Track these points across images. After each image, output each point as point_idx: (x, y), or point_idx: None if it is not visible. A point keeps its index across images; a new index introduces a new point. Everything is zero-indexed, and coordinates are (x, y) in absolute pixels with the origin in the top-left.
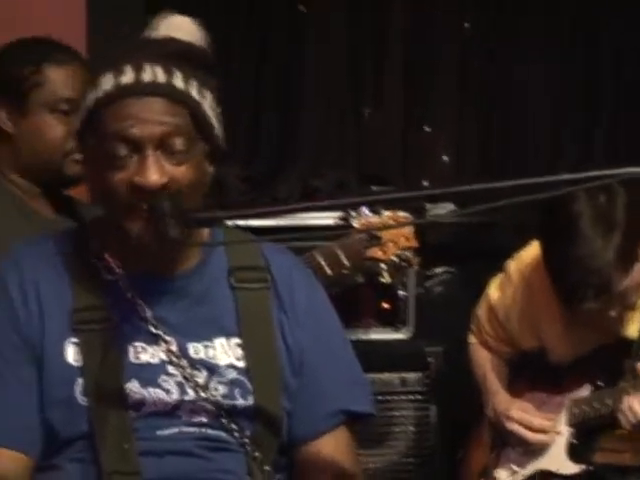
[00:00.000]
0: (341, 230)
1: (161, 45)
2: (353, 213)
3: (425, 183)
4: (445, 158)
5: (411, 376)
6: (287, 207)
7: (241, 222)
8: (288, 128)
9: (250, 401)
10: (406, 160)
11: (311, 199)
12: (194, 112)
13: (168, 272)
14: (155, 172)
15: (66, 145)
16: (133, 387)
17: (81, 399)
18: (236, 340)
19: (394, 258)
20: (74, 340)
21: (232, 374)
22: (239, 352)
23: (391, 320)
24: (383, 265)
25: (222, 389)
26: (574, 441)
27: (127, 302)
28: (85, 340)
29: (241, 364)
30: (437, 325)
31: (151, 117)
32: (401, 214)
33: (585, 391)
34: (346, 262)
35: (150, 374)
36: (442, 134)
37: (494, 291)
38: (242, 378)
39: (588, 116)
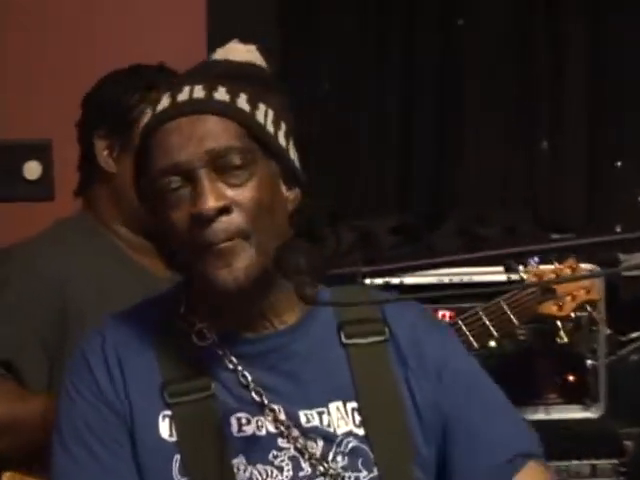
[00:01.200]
0: (508, 286)
1: (206, 67)
2: (521, 265)
3: (618, 229)
4: None
5: (604, 464)
6: (436, 260)
7: (394, 280)
8: (444, 164)
9: (375, 472)
10: (593, 201)
11: (474, 251)
12: (247, 125)
13: (267, 329)
14: (210, 195)
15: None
16: (240, 464)
17: (179, 479)
18: (353, 404)
19: (572, 314)
20: (167, 413)
21: (352, 443)
22: (358, 417)
23: (578, 395)
24: (559, 323)
25: (342, 461)
26: None
27: (223, 368)
28: (179, 413)
29: (361, 431)
30: (635, 401)
31: (194, 136)
32: (582, 266)
33: None
34: (515, 320)
35: (258, 449)
36: (637, 168)
37: None
38: (364, 447)
39: None
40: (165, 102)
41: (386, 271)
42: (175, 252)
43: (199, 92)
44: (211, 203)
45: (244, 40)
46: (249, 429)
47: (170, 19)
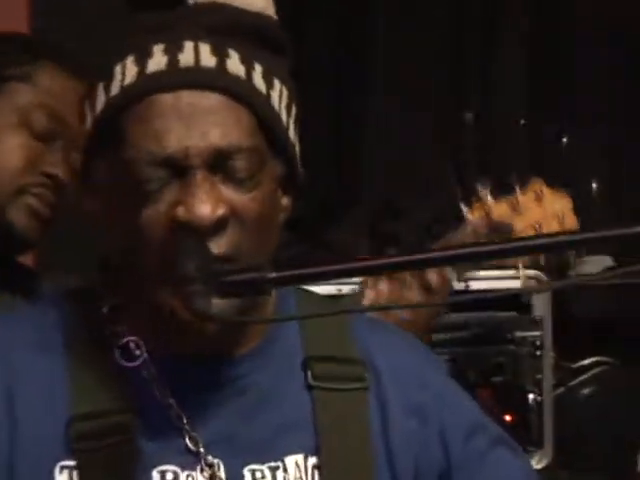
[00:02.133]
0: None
1: (211, 12)
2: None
3: None
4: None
5: None
6: (368, 264)
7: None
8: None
9: None
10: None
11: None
12: (262, 114)
13: (216, 356)
14: (208, 200)
15: (23, 178)
16: None
17: None
18: (315, 460)
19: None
20: (68, 463)
21: None
22: (318, 479)
23: (518, 441)
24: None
25: None
26: None
27: (153, 402)
28: (86, 464)
29: None
30: (591, 448)
31: (197, 122)
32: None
33: None
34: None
35: None
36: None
37: None
38: None
39: None
40: (160, 61)
41: (301, 277)
42: (123, 255)
43: (208, 57)
44: (207, 210)
45: None
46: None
47: None
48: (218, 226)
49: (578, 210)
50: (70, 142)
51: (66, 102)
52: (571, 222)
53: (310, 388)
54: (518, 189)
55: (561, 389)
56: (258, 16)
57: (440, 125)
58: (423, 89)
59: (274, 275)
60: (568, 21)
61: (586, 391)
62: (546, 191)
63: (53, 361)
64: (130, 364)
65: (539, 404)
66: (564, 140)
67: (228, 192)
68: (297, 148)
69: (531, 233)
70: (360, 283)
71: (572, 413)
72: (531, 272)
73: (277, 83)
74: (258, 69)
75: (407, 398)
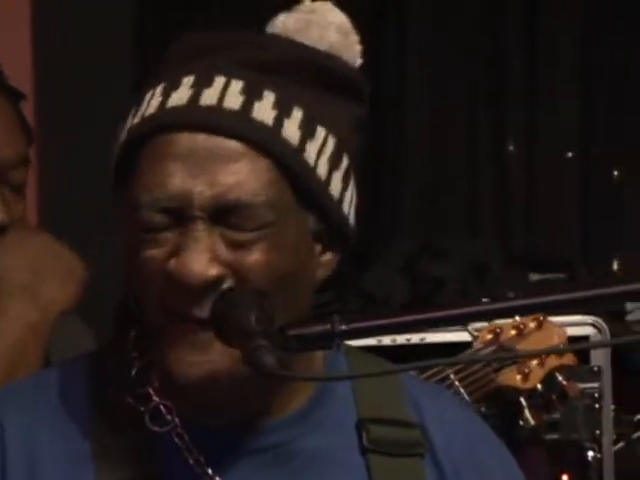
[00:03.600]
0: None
1: (263, 43)
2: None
3: (615, 265)
4: None
5: None
6: (447, 313)
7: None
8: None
9: None
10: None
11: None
12: (289, 166)
13: (255, 421)
14: (200, 257)
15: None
16: None
17: None
18: None
19: (539, 386)
20: None
21: None
22: None
23: None
24: (523, 400)
25: None
26: None
27: (186, 471)
28: None
29: None
30: None
31: (207, 167)
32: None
33: None
34: (466, 397)
35: None
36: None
37: None
38: None
39: None
40: (184, 95)
41: (375, 329)
42: (136, 300)
43: (235, 96)
44: (199, 268)
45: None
46: None
47: None
48: (214, 285)
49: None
50: (2, 175)
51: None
52: (569, 357)
53: (365, 453)
54: (518, 317)
55: (621, 444)
56: (324, 54)
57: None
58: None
59: (345, 327)
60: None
61: None
62: (546, 320)
63: (77, 430)
64: (160, 428)
65: (599, 461)
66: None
67: (229, 250)
68: (347, 202)
69: (533, 365)
70: None
71: (634, 470)
72: (589, 318)
73: (321, 131)
74: (296, 115)
75: (459, 466)
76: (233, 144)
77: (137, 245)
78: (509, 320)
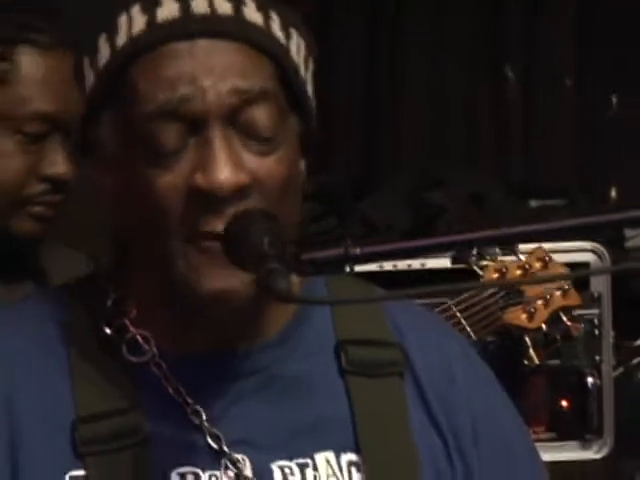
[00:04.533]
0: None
1: None
2: (475, 254)
3: (613, 192)
4: None
5: None
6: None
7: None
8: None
9: None
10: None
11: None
12: (281, 64)
13: (235, 345)
14: (227, 164)
15: (24, 189)
16: None
17: None
18: (351, 457)
19: (544, 326)
20: (78, 474)
21: None
22: (356, 475)
23: (576, 428)
24: (528, 340)
25: None
26: None
27: (165, 400)
28: (96, 470)
29: None
30: None
31: (215, 66)
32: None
33: None
34: (471, 333)
35: None
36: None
37: None
38: None
39: None
40: (172, 7)
41: (388, 253)
42: (132, 230)
43: (223, 3)
44: (228, 174)
45: None
46: None
47: None
48: (240, 194)
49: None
50: (67, 129)
51: (54, 86)
52: (575, 298)
53: (344, 375)
54: (522, 256)
55: (620, 370)
56: None
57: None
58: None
59: (358, 252)
60: None
61: None
62: (551, 260)
63: (55, 361)
64: (137, 358)
65: (598, 387)
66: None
67: (250, 156)
68: (314, 105)
69: (538, 304)
70: None
71: (634, 397)
72: (588, 244)
73: (295, 35)
74: (275, 19)
75: (437, 387)
76: (232, 45)
77: (148, 171)
78: (514, 259)
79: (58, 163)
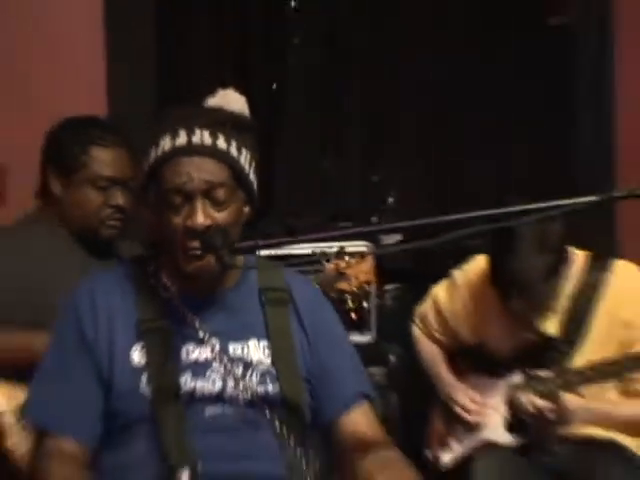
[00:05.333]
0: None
1: (211, 113)
2: (325, 258)
3: (374, 219)
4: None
5: (375, 370)
6: (303, 238)
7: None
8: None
9: (277, 388)
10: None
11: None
12: (234, 167)
13: (212, 290)
14: (201, 216)
15: (101, 213)
16: (186, 379)
17: (144, 389)
18: (265, 342)
19: (356, 289)
20: (139, 345)
21: (262, 367)
22: (267, 351)
23: (358, 327)
24: (348, 295)
25: (255, 379)
26: (508, 417)
27: (180, 314)
28: (148, 343)
29: (268, 360)
30: (393, 330)
31: (199, 173)
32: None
33: (517, 377)
34: (327, 291)
35: (199, 369)
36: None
37: (442, 296)
38: (271, 370)
39: None
40: (182, 139)
41: (275, 244)
42: (162, 239)
43: (207, 138)
44: (201, 220)
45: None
46: (194, 356)
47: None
48: (207, 229)
49: None
50: (124, 188)
51: (118, 165)
52: (372, 276)
53: (263, 305)
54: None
55: (379, 300)
56: (236, 115)
57: None
58: None
59: (261, 243)
60: None
61: (391, 302)
62: (367, 257)
63: (127, 295)
64: (166, 294)
65: (369, 309)
66: None
67: (213, 212)
68: (255, 184)
69: (353, 279)
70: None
71: (385, 313)
72: (363, 243)
73: (244, 152)
74: (234, 144)
75: (307, 312)
76: (209, 160)
77: (166, 216)
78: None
79: (119, 198)
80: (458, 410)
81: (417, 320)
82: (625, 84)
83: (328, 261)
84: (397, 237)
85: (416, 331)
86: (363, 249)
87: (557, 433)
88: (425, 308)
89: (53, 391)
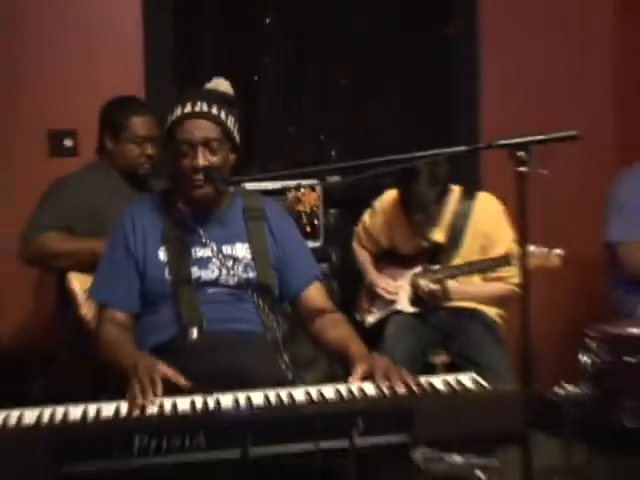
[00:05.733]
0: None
1: (208, 92)
2: (288, 190)
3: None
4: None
5: (322, 265)
6: (276, 174)
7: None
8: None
9: (255, 274)
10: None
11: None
12: (222, 127)
13: (211, 210)
14: (201, 159)
15: (140, 159)
16: (194, 270)
17: (167, 276)
18: (247, 245)
19: (308, 211)
20: (163, 247)
21: (245, 261)
22: (249, 251)
23: (312, 236)
24: (303, 214)
25: (241, 269)
26: (411, 295)
27: (190, 226)
28: (170, 246)
29: (249, 256)
30: (336, 237)
31: (199, 131)
32: (312, 191)
33: (418, 269)
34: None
35: (203, 263)
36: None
37: (367, 218)
38: (251, 263)
39: None
40: (188, 108)
41: (253, 179)
42: (177, 175)
43: (205, 107)
44: (201, 162)
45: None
46: (200, 254)
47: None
48: (205, 168)
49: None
50: (153, 142)
51: (148, 128)
52: (318, 201)
53: (246, 220)
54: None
55: (325, 219)
56: (224, 93)
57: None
58: None
59: (246, 178)
60: None
61: (334, 219)
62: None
63: (156, 214)
64: (180, 214)
65: (319, 224)
66: None
67: (209, 155)
68: (238, 140)
69: (306, 203)
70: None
71: (329, 226)
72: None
73: (230, 117)
74: (223, 112)
75: (275, 224)
76: (207, 122)
77: (179, 160)
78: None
79: (150, 149)
80: (378, 290)
81: (354, 235)
82: (487, 78)
83: (290, 192)
84: (337, 178)
85: (354, 243)
86: (313, 183)
87: (441, 305)
88: (358, 228)
89: (108, 278)
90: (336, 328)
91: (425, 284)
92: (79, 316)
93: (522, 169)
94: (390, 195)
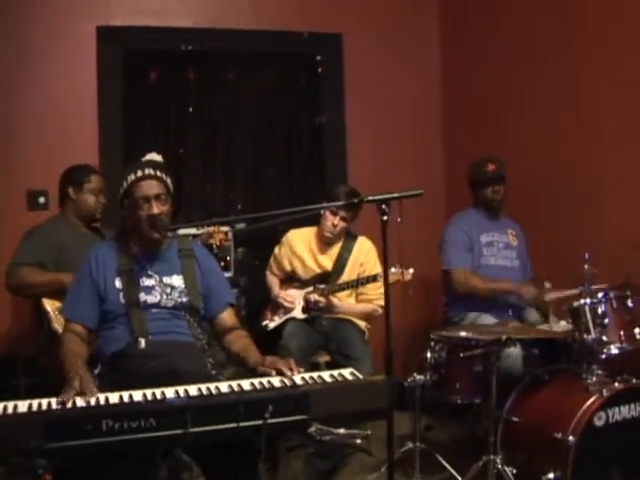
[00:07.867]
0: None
1: (149, 161)
2: (205, 232)
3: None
4: (239, 206)
5: (234, 290)
6: (198, 223)
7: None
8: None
9: (187, 299)
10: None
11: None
12: (166, 185)
13: (155, 249)
14: (155, 208)
15: (96, 207)
16: (142, 295)
17: (122, 300)
18: (181, 276)
19: (218, 243)
20: (119, 278)
21: (180, 289)
22: (182, 281)
23: (226, 268)
24: (214, 247)
25: (177, 295)
26: (304, 305)
27: (139, 262)
28: (123, 277)
29: (183, 285)
30: (244, 269)
31: (151, 188)
32: (222, 228)
33: (310, 288)
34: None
35: (149, 290)
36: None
37: (277, 250)
38: (184, 290)
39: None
40: (140, 173)
41: (184, 227)
42: (133, 223)
43: (152, 171)
44: (156, 210)
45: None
46: (146, 283)
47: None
48: (158, 215)
49: None
50: (104, 195)
51: (102, 184)
52: (226, 238)
53: (180, 258)
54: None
55: (235, 255)
56: (160, 162)
57: None
58: None
59: (180, 226)
60: None
61: (241, 256)
62: (219, 227)
63: (113, 252)
64: (132, 252)
65: (230, 259)
66: None
67: (160, 206)
68: (172, 194)
69: (217, 238)
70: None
71: (238, 262)
72: (222, 228)
73: (168, 179)
74: (164, 175)
75: (201, 260)
76: (155, 182)
77: (136, 212)
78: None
79: (102, 199)
80: (280, 301)
81: (268, 266)
82: (351, 151)
83: (204, 229)
84: (243, 225)
85: (267, 271)
86: (224, 228)
87: (325, 314)
88: (270, 260)
89: (74, 299)
90: (240, 342)
91: (313, 297)
92: (52, 329)
93: (384, 218)
94: (292, 233)
